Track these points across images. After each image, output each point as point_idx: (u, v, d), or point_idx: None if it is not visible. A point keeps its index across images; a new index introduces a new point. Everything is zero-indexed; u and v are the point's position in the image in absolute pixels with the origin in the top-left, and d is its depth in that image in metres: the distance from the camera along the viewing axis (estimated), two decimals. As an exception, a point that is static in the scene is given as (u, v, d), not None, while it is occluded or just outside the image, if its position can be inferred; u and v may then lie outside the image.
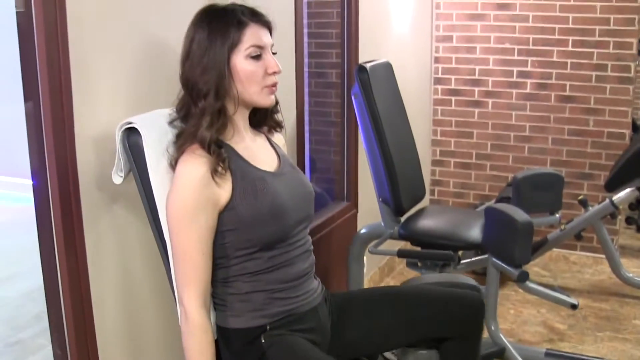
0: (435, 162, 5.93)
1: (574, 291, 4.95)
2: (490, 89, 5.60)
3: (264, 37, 2.20)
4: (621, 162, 4.61)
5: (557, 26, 5.27)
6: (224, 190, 2.13)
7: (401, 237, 3.75)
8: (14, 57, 2.16)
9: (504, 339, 3.59)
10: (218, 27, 2.14)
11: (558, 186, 3.94)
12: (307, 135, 4.05)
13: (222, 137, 2.20)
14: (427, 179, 5.69)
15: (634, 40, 5.11)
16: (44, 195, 2.22)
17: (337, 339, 2.46)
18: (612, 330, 4.39)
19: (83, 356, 2.36)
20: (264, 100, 2.24)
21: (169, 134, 2.22)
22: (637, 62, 5.21)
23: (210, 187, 2.10)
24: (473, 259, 4.37)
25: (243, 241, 2.17)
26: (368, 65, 3.58)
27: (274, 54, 2.24)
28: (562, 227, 4.69)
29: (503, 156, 5.68)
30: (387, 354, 3.72)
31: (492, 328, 3.56)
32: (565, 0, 5.21)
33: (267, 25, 2.24)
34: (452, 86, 5.73)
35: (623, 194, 4.58)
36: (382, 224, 3.83)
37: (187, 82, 2.17)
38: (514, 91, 5.52)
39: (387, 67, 3.86)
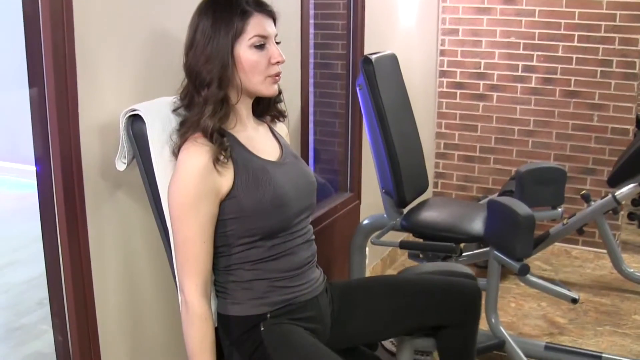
0: (439, 155, 5.94)
1: (575, 285, 4.96)
2: (495, 82, 5.61)
3: (268, 27, 2.21)
4: (624, 157, 4.61)
5: (562, 21, 5.28)
6: (225, 179, 2.14)
7: (403, 228, 3.75)
8: (19, 42, 2.16)
9: (504, 331, 3.59)
10: (222, 17, 2.14)
11: (561, 181, 3.94)
12: (311, 126, 4.06)
13: (225, 126, 2.20)
14: (430, 171, 5.70)
15: (639, 37, 5.11)
16: (48, 182, 2.23)
17: (336, 328, 2.47)
18: (612, 325, 4.40)
19: (84, 343, 2.37)
20: (267, 89, 2.25)
21: (173, 121, 2.23)
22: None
23: (212, 176, 2.10)
24: (475, 251, 4.37)
25: (245, 230, 2.18)
26: (373, 57, 3.58)
27: (277, 43, 2.24)
28: (565, 221, 4.69)
29: (507, 150, 5.69)
30: (386, 343, 3.74)
31: (493, 321, 3.56)
32: (572, -5, 5.23)
33: (271, 15, 2.24)
34: (457, 79, 5.74)
35: (626, 190, 4.58)
36: (385, 215, 3.83)
37: (191, 70, 2.17)
38: (519, 85, 5.53)
39: (393, 59, 3.86)
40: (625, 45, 5.15)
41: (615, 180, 4.62)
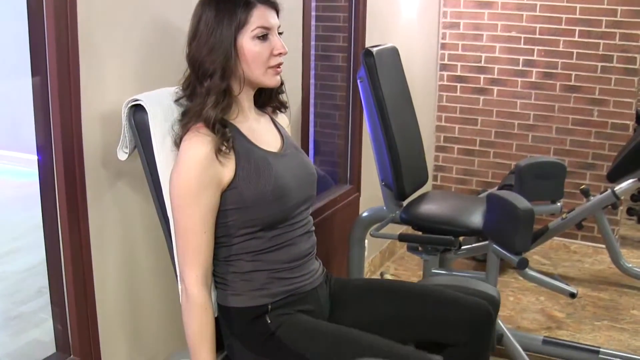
0: (439, 148, 5.95)
1: (574, 280, 4.97)
2: (495, 76, 5.61)
3: (270, 18, 2.21)
4: (624, 153, 4.62)
5: (564, 16, 5.28)
6: (227, 170, 2.15)
7: (403, 221, 3.75)
8: (22, 31, 2.17)
9: (502, 325, 3.61)
10: (225, 8, 2.15)
11: (560, 175, 3.94)
12: (312, 118, 4.06)
13: (227, 117, 2.21)
14: (430, 164, 5.71)
15: (641, 32, 5.12)
16: (49, 170, 2.24)
17: (331, 322, 2.45)
18: (610, 319, 4.41)
19: (83, 331, 2.38)
20: (270, 80, 2.26)
21: (175, 112, 2.24)
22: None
23: (214, 166, 2.11)
24: (474, 245, 4.38)
25: (245, 220, 2.19)
26: (374, 50, 3.58)
27: (280, 34, 2.25)
28: (564, 216, 4.70)
29: (507, 144, 5.69)
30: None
31: (491, 314, 3.57)
32: (573, -9, 5.23)
33: (274, 6, 2.25)
34: (458, 73, 5.74)
35: (625, 185, 4.60)
36: (384, 208, 3.83)
37: (194, 61, 2.18)
38: (520, 79, 5.54)
39: (394, 52, 3.86)
40: (626, 40, 5.16)
41: (615, 176, 4.63)
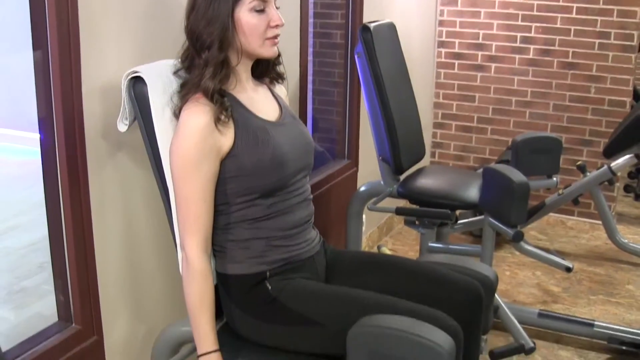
0: (436, 125, 5.97)
1: (570, 255, 5.02)
2: (493, 53, 5.63)
3: (268, -9, 2.24)
4: (620, 128, 4.63)
5: (561, -7, 5.30)
6: (226, 138, 2.18)
7: (400, 195, 3.78)
8: (23, 5, 2.20)
9: (497, 297, 3.62)
10: (223, -20, 2.18)
11: (556, 150, 3.95)
12: (310, 94, 4.09)
13: (225, 87, 2.24)
14: (428, 141, 5.72)
15: (638, 9, 5.13)
16: (51, 144, 2.27)
17: None
18: (606, 294, 4.46)
19: (85, 301, 2.42)
20: (267, 51, 2.28)
21: (174, 83, 2.26)
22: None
23: (213, 135, 2.14)
24: (470, 219, 4.41)
25: (244, 188, 2.22)
26: (372, 25, 3.60)
27: (277, 7, 2.28)
28: (560, 191, 4.73)
29: (504, 120, 5.71)
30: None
31: (487, 287, 3.60)
32: (571, -33, 5.24)
33: (271, -21, 2.27)
34: (456, 50, 5.76)
35: (621, 161, 4.61)
36: (382, 182, 3.86)
37: (192, 33, 2.21)
38: (517, 56, 5.55)
39: (391, 28, 3.88)
40: (624, 17, 5.17)
41: (611, 151, 4.65)
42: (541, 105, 5.55)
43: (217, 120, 2.14)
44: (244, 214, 2.27)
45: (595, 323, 3.79)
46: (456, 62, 5.77)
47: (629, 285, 4.59)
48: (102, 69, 2.36)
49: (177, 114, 2.20)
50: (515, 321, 3.63)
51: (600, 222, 4.99)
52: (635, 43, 5.20)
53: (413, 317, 2.10)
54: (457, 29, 5.71)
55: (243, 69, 2.32)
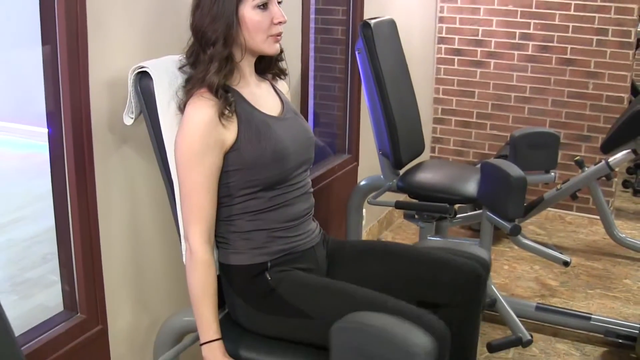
0: (436, 120, 6.00)
1: (568, 250, 5.03)
2: (492, 49, 5.65)
3: (270, -12, 2.29)
4: (617, 124, 4.65)
5: (560, -11, 5.33)
6: (229, 132, 2.23)
7: (399, 189, 3.81)
8: (32, 1, 2.24)
9: (495, 290, 3.66)
10: (227, -22, 2.22)
11: (554, 145, 3.96)
12: (311, 90, 4.12)
13: (229, 83, 2.29)
14: (428, 136, 5.73)
15: (635, 6, 5.15)
16: (58, 137, 2.31)
17: None
18: (603, 288, 4.48)
19: (90, 291, 2.46)
20: (270, 48, 2.33)
21: (179, 78, 2.31)
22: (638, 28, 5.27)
23: (217, 129, 2.19)
24: (469, 213, 4.44)
25: (246, 181, 2.27)
26: (372, 22, 3.63)
27: (279, 3, 2.32)
28: (558, 186, 4.75)
29: (503, 116, 5.74)
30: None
31: (485, 280, 3.63)
32: (569, -36, 5.26)
33: (274, -24, 2.32)
34: (455, 46, 5.78)
35: (619, 156, 4.62)
36: (382, 176, 3.89)
37: (197, 30, 2.26)
38: (516, 53, 5.58)
39: (391, 25, 3.90)
40: (621, 14, 5.19)
41: (609, 147, 4.66)
42: (540, 100, 5.58)
43: (221, 115, 2.19)
44: (246, 206, 2.31)
45: (593, 316, 3.80)
46: (456, 58, 5.80)
47: (626, 279, 4.61)
48: (109, 64, 2.40)
49: (182, 108, 2.25)
50: (513, 314, 3.64)
51: (598, 217, 5.02)
52: (632, 40, 5.22)
53: (400, 316, 2.12)
54: (457, 25, 5.74)
55: (247, 65, 2.36)
